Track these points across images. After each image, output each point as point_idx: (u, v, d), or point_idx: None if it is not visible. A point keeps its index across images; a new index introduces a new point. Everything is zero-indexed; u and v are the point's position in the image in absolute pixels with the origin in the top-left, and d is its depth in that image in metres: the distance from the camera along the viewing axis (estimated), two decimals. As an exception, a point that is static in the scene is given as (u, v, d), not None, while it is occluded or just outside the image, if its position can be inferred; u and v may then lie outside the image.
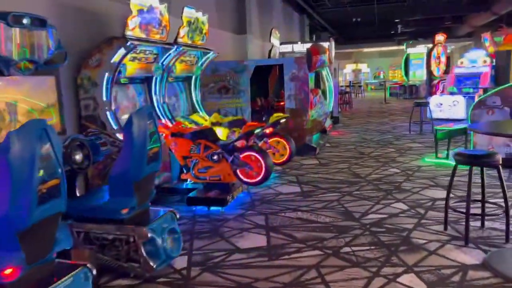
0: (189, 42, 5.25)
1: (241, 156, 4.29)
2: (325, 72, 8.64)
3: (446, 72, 20.95)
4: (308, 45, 8.89)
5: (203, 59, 5.86)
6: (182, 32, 5.04)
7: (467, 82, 11.69)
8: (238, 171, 4.34)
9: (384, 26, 21.47)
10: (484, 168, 3.64)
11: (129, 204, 2.87)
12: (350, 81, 27.49)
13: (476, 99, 5.59)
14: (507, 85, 5.37)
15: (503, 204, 3.37)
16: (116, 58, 4.05)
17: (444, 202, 3.61)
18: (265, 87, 8.89)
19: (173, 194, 4.83)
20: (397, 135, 8.84)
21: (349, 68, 31.67)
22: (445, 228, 3.61)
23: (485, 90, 9.76)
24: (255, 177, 4.32)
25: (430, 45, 20.58)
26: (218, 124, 5.24)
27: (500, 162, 3.23)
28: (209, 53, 5.81)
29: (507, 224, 3.31)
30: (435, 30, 20.41)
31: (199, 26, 5.42)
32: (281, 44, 10.68)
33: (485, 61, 11.71)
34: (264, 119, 6.08)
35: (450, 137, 6.22)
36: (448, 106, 10.79)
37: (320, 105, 7.65)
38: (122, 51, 4.04)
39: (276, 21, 12.36)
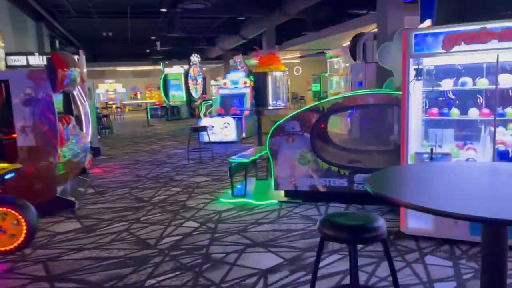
0: None
1: None
2: (77, 93, 6.45)
3: (204, 93, 21.40)
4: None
5: None
6: None
7: (235, 103, 11.52)
8: None
9: (139, 44, 20.22)
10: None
11: None
12: (106, 103, 25.03)
13: (274, 127, 4.73)
14: (304, 108, 4.71)
15: None
16: None
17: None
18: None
19: None
20: (176, 167, 7.47)
21: (102, 88, 29.01)
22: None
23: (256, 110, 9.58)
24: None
25: (187, 66, 20.60)
26: None
27: (385, 235, 2.14)
28: None
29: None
30: (190, 51, 20.51)
31: None
32: (7, 54, 7.77)
33: (245, 82, 11.83)
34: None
35: (246, 168, 5.22)
36: (220, 129, 10.22)
37: (75, 138, 5.47)
38: None
39: (-1, 24, 9.17)
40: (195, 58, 19.78)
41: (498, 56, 3.13)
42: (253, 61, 24.58)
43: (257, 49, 13.39)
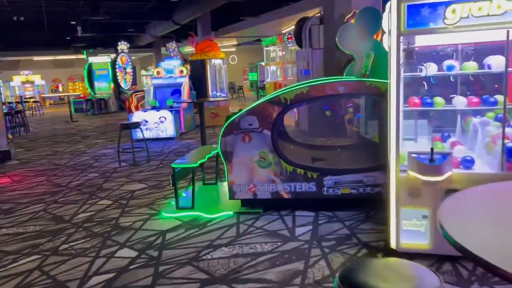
0: None
1: None
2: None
3: (134, 83, 19.78)
4: None
5: None
6: None
7: (171, 95, 10.41)
8: None
9: (58, 30, 18.08)
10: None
11: None
12: (21, 97, 22.39)
13: (227, 123, 3.88)
14: (262, 100, 3.90)
15: None
16: None
17: None
18: None
19: None
20: (105, 171, 6.33)
21: (17, 80, 26.00)
22: None
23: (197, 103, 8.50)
24: None
25: (114, 55, 18.83)
26: None
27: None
28: None
29: None
30: (116, 38, 18.75)
31: None
32: None
33: (182, 71, 10.76)
34: None
35: (193, 174, 4.32)
36: (155, 124, 9.12)
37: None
38: None
39: None
40: (123, 45, 18.13)
41: (508, 32, 2.54)
42: (188, 49, 23.30)
43: (193, 34, 12.31)
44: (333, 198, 3.88)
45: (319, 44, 8.65)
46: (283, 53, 24.15)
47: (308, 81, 4.09)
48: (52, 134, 11.49)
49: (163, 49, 23.53)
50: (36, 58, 26.29)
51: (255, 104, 3.90)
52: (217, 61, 11.28)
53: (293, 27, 16.03)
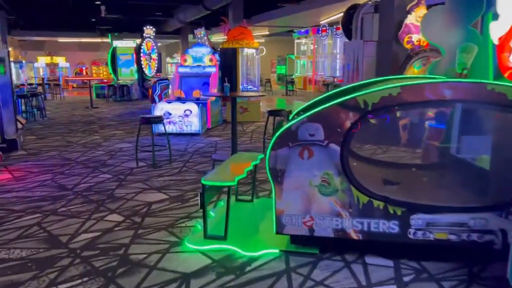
0: None
1: None
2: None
3: (159, 71, 18.92)
4: None
5: None
6: None
7: (194, 85, 9.43)
8: None
9: (82, 11, 17.36)
10: None
11: None
12: (44, 78, 21.86)
13: (280, 131, 2.84)
14: (332, 103, 2.81)
15: None
16: None
17: None
18: None
19: None
20: (120, 173, 5.39)
21: (42, 61, 25.55)
22: None
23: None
24: None
25: (139, 40, 17.97)
26: None
27: None
28: None
29: None
30: (142, 22, 17.89)
31: None
32: None
33: (211, 60, 9.75)
34: None
35: (228, 196, 3.30)
36: (179, 117, 8.15)
37: None
38: None
39: None
40: (149, 30, 17.25)
41: None
42: (215, 38, 22.29)
43: (226, 20, 11.26)
44: (422, 244, 2.80)
45: (372, 36, 7.49)
46: (315, 46, 22.99)
47: (396, 76, 2.99)
48: (69, 121, 10.68)
49: (190, 37, 22.62)
50: (61, 39, 25.79)
51: (320, 108, 2.82)
52: (250, 51, 10.20)
53: (333, 17, 14.81)
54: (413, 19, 6.67)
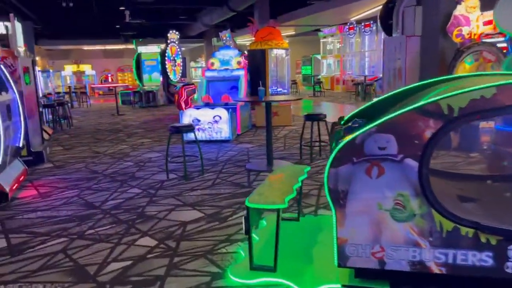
0: None
1: None
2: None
3: (183, 75, 18.68)
4: None
5: None
6: None
7: (222, 90, 9.04)
8: None
9: (107, 17, 17.32)
10: None
11: None
12: (71, 87, 22.01)
13: (341, 145, 2.37)
14: (406, 109, 2.30)
15: None
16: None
17: None
18: None
19: None
20: (149, 187, 5.01)
21: (68, 69, 25.82)
22: None
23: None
24: None
25: (163, 45, 17.78)
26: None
27: None
28: None
29: None
30: (166, 27, 17.69)
31: None
32: None
33: (239, 63, 9.34)
34: None
35: (278, 219, 2.83)
36: (208, 124, 7.76)
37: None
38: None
39: None
40: (173, 34, 17.02)
41: None
42: (240, 40, 21.92)
43: (253, 20, 10.83)
44: (523, 281, 2.26)
45: (414, 31, 6.89)
46: (342, 45, 22.29)
47: (490, 72, 2.46)
48: (95, 129, 10.47)
49: (214, 40, 22.35)
50: (86, 47, 26.02)
51: (392, 115, 2.32)
52: (279, 51, 9.74)
53: (364, 14, 14.19)
54: (463, 9, 6.06)
